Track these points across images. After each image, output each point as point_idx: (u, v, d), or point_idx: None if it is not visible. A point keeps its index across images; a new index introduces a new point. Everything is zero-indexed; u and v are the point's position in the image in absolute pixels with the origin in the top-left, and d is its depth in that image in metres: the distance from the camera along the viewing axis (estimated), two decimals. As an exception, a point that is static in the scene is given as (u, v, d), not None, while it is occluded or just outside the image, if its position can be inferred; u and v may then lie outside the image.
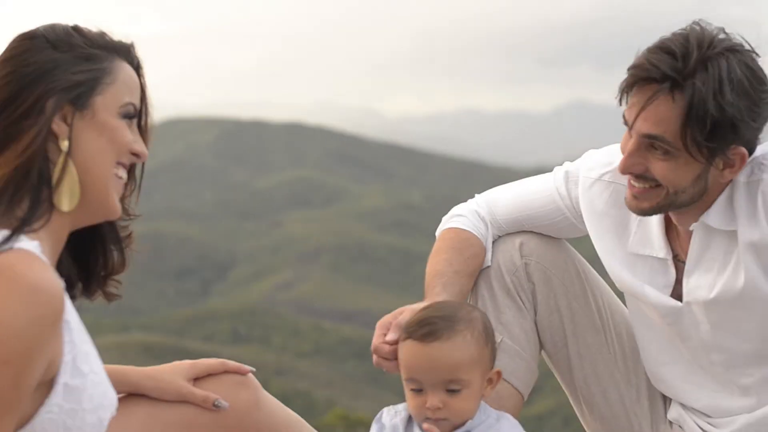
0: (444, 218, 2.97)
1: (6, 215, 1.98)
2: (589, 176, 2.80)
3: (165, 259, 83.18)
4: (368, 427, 2.57)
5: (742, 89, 2.40)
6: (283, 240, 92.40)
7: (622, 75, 2.51)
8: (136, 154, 2.15)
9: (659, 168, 2.48)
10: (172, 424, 2.58)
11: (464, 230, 2.88)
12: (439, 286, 2.74)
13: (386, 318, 2.62)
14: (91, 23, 2.17)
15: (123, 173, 2.14)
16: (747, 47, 2.46)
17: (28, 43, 2.09)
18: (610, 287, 2.94)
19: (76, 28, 2.14)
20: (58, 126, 2.04)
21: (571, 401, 2.95)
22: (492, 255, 2.89)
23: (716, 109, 2.38)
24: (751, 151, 2.49)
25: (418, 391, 2.41)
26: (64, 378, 1.94)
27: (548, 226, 2.90)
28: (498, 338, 2.78)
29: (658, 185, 2.50)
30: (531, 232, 2.90)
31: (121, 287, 2.31)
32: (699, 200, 2.53)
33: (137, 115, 2.17)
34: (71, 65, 2.08)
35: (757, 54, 2.46)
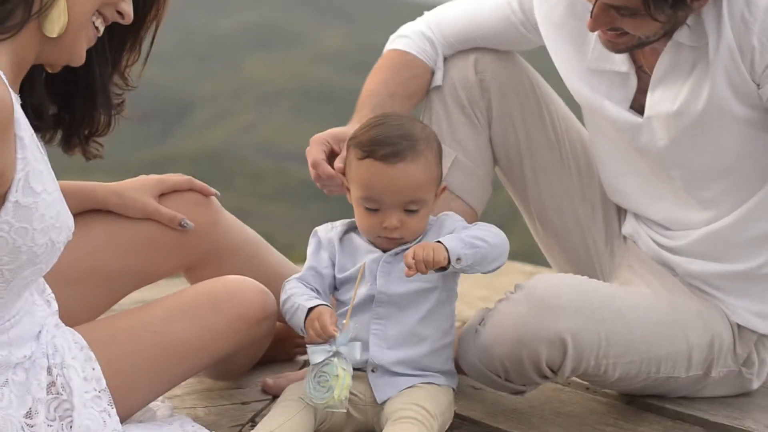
0: (390, 37, 2.92)
1: None
2: None
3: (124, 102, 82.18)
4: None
5: None
6: (244, 83, 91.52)
7: None
8: (120, 13, 2.10)
9: (627, 24, 2.44)
10: (133, 242, 2.60)
11: (407, 52, 2.85)
12: (369, 106, 2.70)
13: (320, 136, 2.57)
14: None
15: (101, 25, 2.09)
16: None
17: None
18: (567, 101, 2.93)
19: None
20: None
21: (525, 218, 2.97)
22: (445, 72, 2.86)
23: None
24: None
25: (374, 210, 2.40)
26: (15, 196, 1.91)
27: (502, 43, 2.87)
28: (452, 155, 2.79)
29: (629, 32, 2.47)
30: (485, 48, 2.87)
31: (102, 150, 2.30)
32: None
33: None
34: None
35: None
